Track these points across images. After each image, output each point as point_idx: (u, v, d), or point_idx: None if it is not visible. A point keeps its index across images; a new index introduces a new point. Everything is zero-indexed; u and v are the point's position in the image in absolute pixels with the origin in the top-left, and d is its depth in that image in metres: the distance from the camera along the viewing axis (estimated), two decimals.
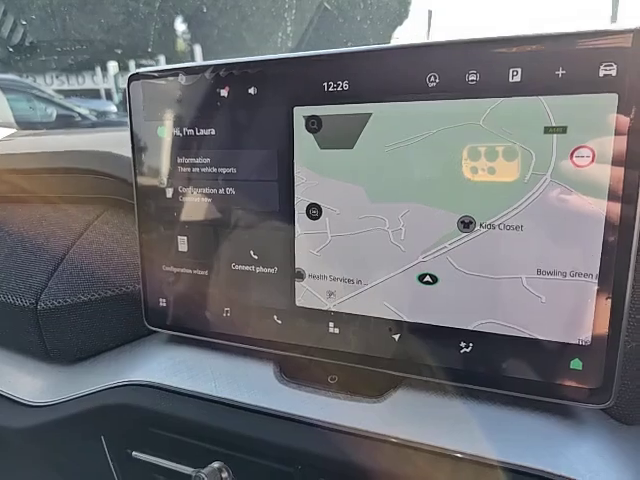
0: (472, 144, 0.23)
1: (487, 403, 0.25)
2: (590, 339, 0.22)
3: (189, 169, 0.30)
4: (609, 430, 0.25)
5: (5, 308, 0.36)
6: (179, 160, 0.30)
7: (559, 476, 0.22)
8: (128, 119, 0.31)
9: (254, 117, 0.27)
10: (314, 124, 0.26)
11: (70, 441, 0.33)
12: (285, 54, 0.26)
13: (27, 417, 0.33)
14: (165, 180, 0.30)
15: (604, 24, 0.20)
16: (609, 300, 0.22)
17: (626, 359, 0.24)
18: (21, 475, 0.38)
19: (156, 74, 0.30)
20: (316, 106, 0.26)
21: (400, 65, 0.24)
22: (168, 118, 0.30)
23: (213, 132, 0.29)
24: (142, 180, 0.31)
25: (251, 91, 0.27)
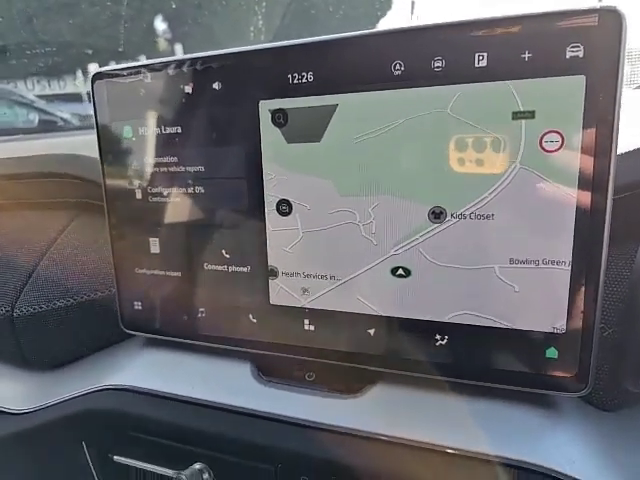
0: (441, 134, 0.22)
1: (464, 395, 0.25)
2: (565, 327, 0.22)
3: (157, 169, 0.29)
4: (587, 418, 0.25)
5: None
6: (147, 160, 0.29)
7: (537, 465, 0.22)
8: (94, 120, 0.30)
9: (220, 113, 0.27)
10: (280, 118, 0.25)
11: (51, 447, 0.32)
12: (248, 47, 0.25)
13: (7, 425, 0.32)
14: (134, 181, 0.30)
15: (571, 4, 0.20)
16: (583, 287, 0.21)
17: (603, 346, 0.24)
18: None
19: (119, 72, 0.29)
20: (282, 99, 0.25)
21: (364, 54, 0.23)
22: (134, 117, 0.29)
23: (179, 130, 0.28)
24: (111, 182, 0.31)
25: (215, 86, 0.26)
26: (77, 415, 0.30)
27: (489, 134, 0.21)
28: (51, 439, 0.32)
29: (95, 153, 0.31)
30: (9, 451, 0.33)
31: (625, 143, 0.25)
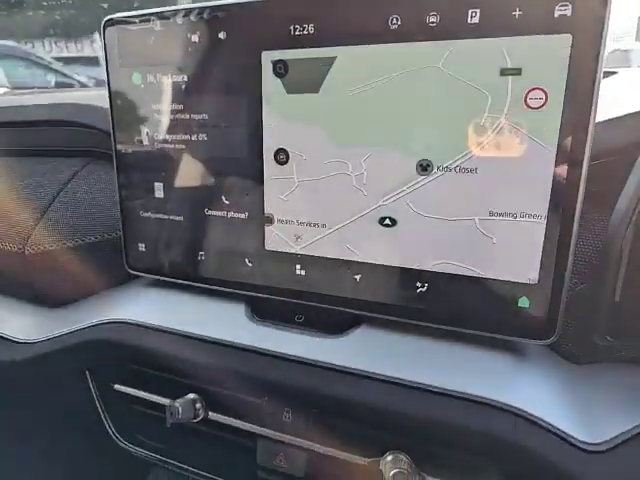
0: (432, 88, 0.23)
1: (442, 339, 0.26)
2: (537, 278, 0.23)
3: (163, 116, 0.30)
4: (558, 367, 0.26)
5: None
6: (154, 107, 0.30)
7: (503, 403, 0.24)
8: (104, 65, 0.31)
9: (224, 62, 0.28)
10: (281, 69, 0.26)
11: (57, 375, 0.35)
12: None
13: (16, 352, 0.35)
14: (141, 128, 0.31)
15: None
16: (556, 241, 0.23)
17: (575, 300, 0.25)
18: (10, 410, 0.40)
19: (130, 19, 0.30)
20: (283, 50, 0.26)
21: (363, 8, 0.24)
22: (142, 64, 0.30)
23: (185, 78, 0.29)
24: (119, 128, 0.32)
25: (221, 36, 0.27)
26: (82, 345, 0.33)
27: (477, 90, 0.22)
28: (58, 367, 0.35)
29: (106, 104, 0.32)
30: (19, 377, 0.36)
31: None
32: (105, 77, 0.31)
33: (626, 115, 0.26)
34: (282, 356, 0.27)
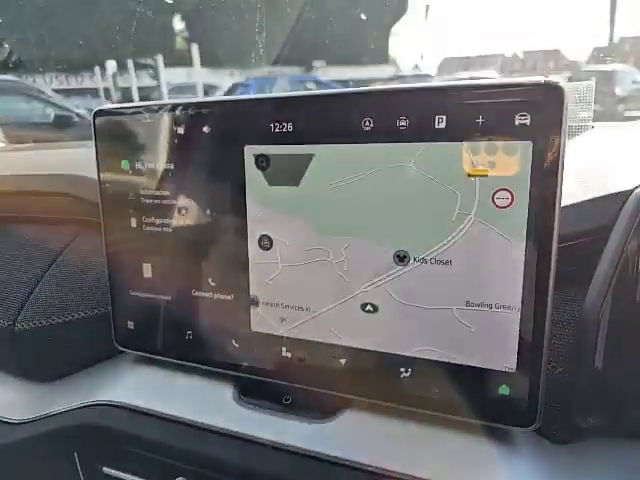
0: (405, 185, 0.24)
1: (425, 425, 0.27)
2: (515, 366, 0.24)
3: (151, 200, 0.31)
4: (541, 451, 0.26)
5: None
6: (142, 192, 0.31)
7: None
8: (94, 152, 0.32)
9: (209, 154, 0.29)
10: (263, 162, 0.27)
11: (44, 457, 0.35)
12: (235, 96, 0.28)
13: (2, 433, 0.34)
14: (129, 211, 0.32)
15: (520, 77, 0.22)
16: (531, 330, 0.23)
17: (554, 384, 0.26)
18: None
19: (120, 111, 0.31)
20: (264, 145, 0.27)
21: (339, 110, 0.25)
22: (131, 153, 0.31)
23: (172, 167, 0.30)
24: (108, 209, 0.33)
25: (205, 129, 0.28)
26: (70, 428, 0.33)
27: (448, 189, 0.23)
28: (44, 449, 0.34)
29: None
30: (4, 459, 0.35)
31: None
32: (95, 163, 0.32)
33: (599, 197, 0.27)
34: (269, 444, 0.27)
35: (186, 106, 0.29)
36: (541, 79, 0.21)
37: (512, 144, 0.22)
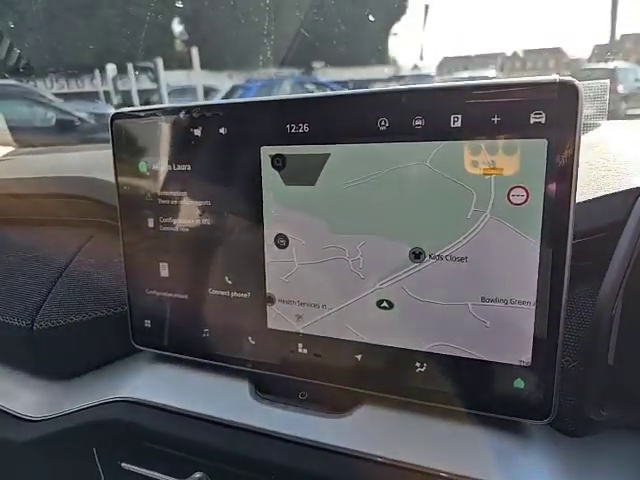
0: (421, 183, 0.25)
1: (442, 418, 0.27)
2: (530, 360, 0.24)
3: (168, 201, 0.32)
4: (555, 444, 0.27)
5: (3, 328, 0.38)
6: (159, 193, 0.32)
7: None
8: (112, 155, 0.33)
9: (225, 155, 0.29)
10: (279, 162, 0.28)
11: (64, 453, 0.35)
12: (252, 98, 0.28)
13: (23, 430, 0.35)
14: (146, 211, 0.33)
15: (535, 76, 0.22)
16: (546, 325, 0.24)
17: (568, 378, 0.26)
18: None
19: (136, 114, 0.32)
20: (280, 146, 0.28)
21: (354, 110, 0.26)
22: (148, 155, 0.32)
23: (189, 168, 0.31)
24: (126, 210, 0.34)
25: (222, 131, 0.29)
26: (89, 424, 0.33)
27: (463, 187, 0.24)
28: (64, 446, 0.35)
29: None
30: (25, 455, 0.36)
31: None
32: (113, 165, 0.33)
33: (613, 194, 0.28)
34: (286, 438, 0.28)
35: (203, 108, 0.29)
36: (556, 78, 0.21)
37: (527, 142, 0.22)
